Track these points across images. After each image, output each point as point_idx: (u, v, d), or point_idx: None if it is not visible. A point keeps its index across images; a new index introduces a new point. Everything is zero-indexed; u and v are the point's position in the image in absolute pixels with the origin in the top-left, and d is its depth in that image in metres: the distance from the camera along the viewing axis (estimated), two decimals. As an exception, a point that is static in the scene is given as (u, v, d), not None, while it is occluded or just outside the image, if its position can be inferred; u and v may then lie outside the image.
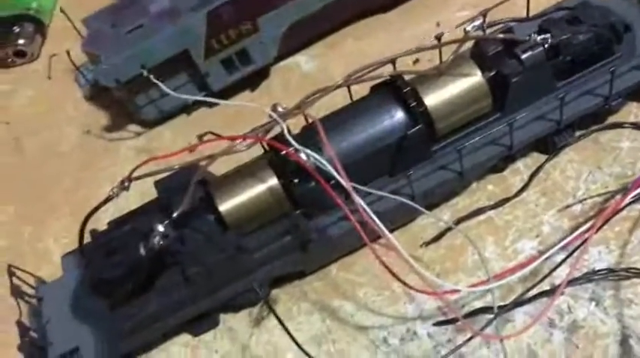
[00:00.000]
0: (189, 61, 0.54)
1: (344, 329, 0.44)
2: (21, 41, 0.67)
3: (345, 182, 0.35)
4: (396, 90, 0.43)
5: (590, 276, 0.41)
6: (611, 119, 0.47)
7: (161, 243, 0.40)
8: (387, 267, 0.37)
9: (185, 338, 0.46)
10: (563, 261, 0.40)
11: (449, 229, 0.45)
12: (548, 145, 0.46)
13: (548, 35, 0.41)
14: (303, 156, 0.39)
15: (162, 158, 0.40)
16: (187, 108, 0.58)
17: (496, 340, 0.39)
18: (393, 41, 0.58)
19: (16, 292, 0.46)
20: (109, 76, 0.52)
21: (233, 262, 0.42)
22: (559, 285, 0.39)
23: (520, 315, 0.41)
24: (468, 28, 0.42)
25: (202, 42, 0.53)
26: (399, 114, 0.43)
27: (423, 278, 0.37)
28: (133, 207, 0.47)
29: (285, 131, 0.39)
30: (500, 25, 0.44)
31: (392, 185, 0.44)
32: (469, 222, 0.46)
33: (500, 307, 0.40)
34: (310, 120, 0.43)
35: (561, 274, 0.41)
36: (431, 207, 0.47)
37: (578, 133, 0.46)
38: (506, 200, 0.46)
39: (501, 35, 0.41)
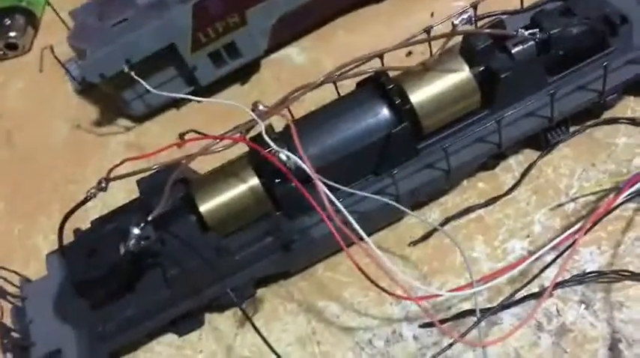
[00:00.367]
0: (177, 55, 0.53)
1: (329, 330, 0.43)
2: (12, 34, 0.67)
3: (320, 184, 0.33)
4: (381, 86, 0.41)
5: (580, 278, 0.39)
6: (607, 114, 0.45)
7: (141, 244, 0.40)
8: (364, 273, 0.36)
9: (170, 338, 0.46)
10: (552, 262, 0.39)
11: (436, 229, 0.43)
12: (541, 142, 0.44)
13: (536, 30, 0.39)
14: (283, 156, 0.38)
15: (140, 158, 0.39)
16: (176, 102, 0.57)
17: (478, 346, 0.38)
18: (386, 32, 0.56)
19: (0, 291, 0.46)
20: (93, 71, 0.51)
21: (213, 263, 0.41)
22: (547, 287, 0.38)
23: (508, 318, 0.40)
24: (456, 22, 0.40)
25: (189, 35, 0.52)
26: (384, 112, 0.41)
27: (401, 284, 0.36)
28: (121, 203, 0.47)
29: (263, 131, 0.38)
30: (491, 18, 0.43)
31: (377, 184, 0.43)
32: (459, 220, 0.45)
33: (485, 310, 0.39)
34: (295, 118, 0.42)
35: (551, 276, 0.39)
36: (420, 205, 0.46)
37: (572, 129, 0.45)
38: (497, 198, 0.44)
39: (488, 30, 0.39)
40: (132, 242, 0.38)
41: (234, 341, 0.45)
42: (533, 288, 0.40)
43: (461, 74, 0.41)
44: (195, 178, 0.44)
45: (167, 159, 0.45)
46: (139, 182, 0.44)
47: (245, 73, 0.57)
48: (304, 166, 0.35)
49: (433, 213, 0.45)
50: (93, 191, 0.40)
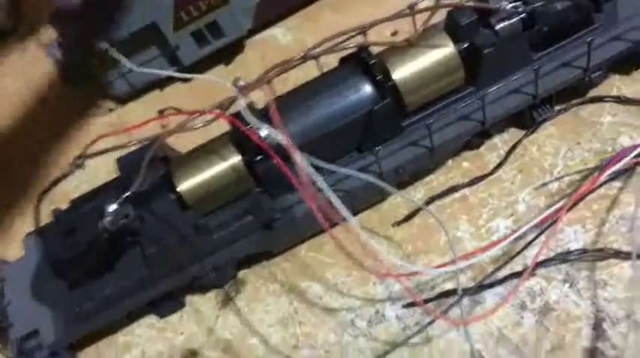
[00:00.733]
0: (159, 34, 0.52)
1: (311, 311, 0.43)
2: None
3: (301, 161, 0.33)
4: (364, 62, 0.41)
5: (564, 257, 0.39)
6: (593, 92, 0.45)
7: (119, 222, 0.39)
8: (348, 253, 0.35)
9: (150, 320, 0.45)
10: (535, 238, 0.39)
11: (420, 209, 0.43)
12: (527, 120, 0.44)
13: (520, 3, 0.38)
14: (263, 132, 0.38)
15: (116, 133, 0.38)
16: (160, 83, 0.57)
17: (459, 325, 0.37)
18: (373, 12, 0.55)
19: (-22, 273, 0.45)
20: (74, 51, 0.50)
21: (192, 242, 0.40)
22: (530, 265, 0.37)
23: (491, 297, 0.40)
24: (440, -3, 0.39)
25: (171, 14, 0.51)
26: (367, 88, 0.41)
27: (385, 262, 0.35)
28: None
29: (244, 107, 0.37)
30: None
31: (360, 161, 0.42)
32: (443, 200, 0.44)
33: (467, 289, 0.39)
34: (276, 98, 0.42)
35: (534, 254, 0.39)
36: (404, 184, 0.45)
37: (557, 108, 0.44)
38: (482, 178, 0.44)
39: (471, 4, 0.39)
40: (108, 219, 0.37)
41: (216, 323, 0.44)
42: (517, 268, 0.40)
43: (445, 50, 0.41)
44: (175, 156, 0.43)
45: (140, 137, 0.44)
46: (118, 160, 0.43)
47: (229, 53, 0.56)
48: (283, 141, 0.34)
49: (418, 192, 0.45)
50: (70, 168, 0.39)
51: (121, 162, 0.42)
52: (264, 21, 0.56)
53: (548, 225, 0.36)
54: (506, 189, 0.43)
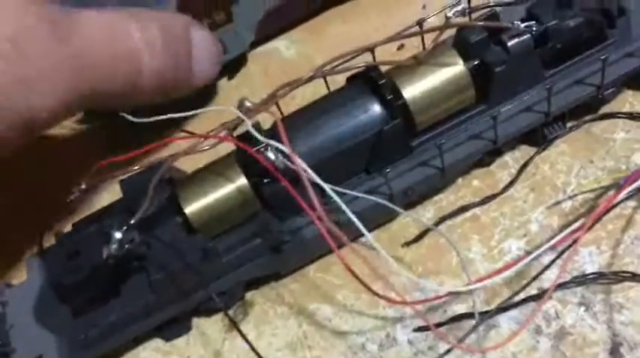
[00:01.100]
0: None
1: (321, 334, 0.42)
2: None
3: (312, 191, 0.32)
4: (373, 81, 0.40)
5: (579, 279, 0.38)
6: (605, 109, 0.44)
7: (124, 247, 0.38)
8: (355, 276, 0.34)
9: (156, 343, 0.44)
10: (552, 263, 0.38)
11: (430, 229, 0.42)
12: (538, 137, 0.43)
13: (533, 22, 0.38)
14: (271, 154, 0.37)
15: (117, 159, 0.37)
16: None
17: (475, 352, 0.36)
18: (378, 25, 0.54)
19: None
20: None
21: (200, 267, 0.39)
22: (547, 290, 0.36)
23: (505, 320, 0.39)
24: (450, 14, 0.39)
25: (174, 31, 0.50)
26: (376, 108, 0.40)
27: (396, 286, 0.35)
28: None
29: (251, 129, 0.36)
30: (485, 10, 0.41)
31: (369, 183, 0.41)
32: (454, 220, 0.43)
33: (484, 313, 0.38)
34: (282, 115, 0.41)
35: (550, 277, 0.39)
36: (414, 203, 0.44)
37: (569, 124, 0.44)
38: (493, 196, 0.43)
39: (483, 23, 0.38)
40: (114, 246, 0.36)
41: (223, 346, 0.43)
42: (531, 290, 0.39)
43: (455, 68, 0.40)
44: (180, 178, 0.42)
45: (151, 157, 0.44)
46: (121, 182, 0.42)
47: (232, 67, 0.56)
48: (296, 166, 0.33)
49: (427, 211, 0.44)
50: (74, 196, 0.38)
51: (125, 185, 0.41)
52: (267, 34, 0.55)
53: (566, 246, 0.36)
54: (518, 208, 0.42)
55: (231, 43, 0.52)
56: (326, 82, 0.42)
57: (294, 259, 0.42)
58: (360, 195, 0.37)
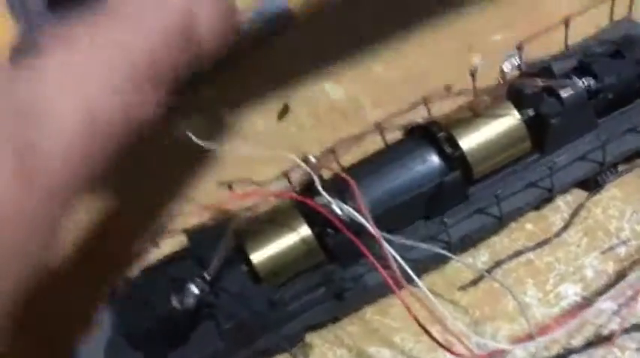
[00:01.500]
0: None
1: (381, 377, 0.43)
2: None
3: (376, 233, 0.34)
4: (430, 133, 0.41)
5: (638, 326, 0.39)
6: (656, 152, 0.45)
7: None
8: (416, 320, 0.36)
9: (220, 385, 0.46)
10: (615, 313, 0.39)
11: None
12: (590, 182, 0.44)
13: (590, 78, 0.39)
14: (337, 209, 0.38)
15: (197, 214, 0.39)
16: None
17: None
18: (422, 62, 0.55)
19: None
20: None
21: (267, 315, 0.41)
22: (611, 336, 0.37)
23: (566, 366, 0.40)
24: (506, 69, 0.40)
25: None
26: (434, 160, 0.41)
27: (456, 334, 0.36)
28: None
29: (318, 184, 0.38)
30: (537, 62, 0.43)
31: (427, 230, 0.42)
32: (509, 264, 0.44)
33: (544, 361, 0.39)
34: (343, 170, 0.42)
35: (606, 321, 0.39)
36: (467, 247, 0.45)
37: (620, 168, 0.45)
38: (547, 241, 0.44)
39: (541, 81, 0.39)
40: (190, 300, 0.38)
41: (286, 389, 0.44)
42: (589, 335, 0.40)
43: (510, 120, 0.41)
44: (244, 226, 0.43)
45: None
46: (187, 233, 0.44)
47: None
48: (361, 220, 0.35)
49: (482, 255, 0.45)
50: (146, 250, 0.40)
51: (192, 237, 0.43)
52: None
53: (627, 298, 0.37)
54: (572, 253, 0.43)
55: None
56: (383, 136, 0.43)
57: (355, 305, 0.43)
58: (422, 245, 0.39)
